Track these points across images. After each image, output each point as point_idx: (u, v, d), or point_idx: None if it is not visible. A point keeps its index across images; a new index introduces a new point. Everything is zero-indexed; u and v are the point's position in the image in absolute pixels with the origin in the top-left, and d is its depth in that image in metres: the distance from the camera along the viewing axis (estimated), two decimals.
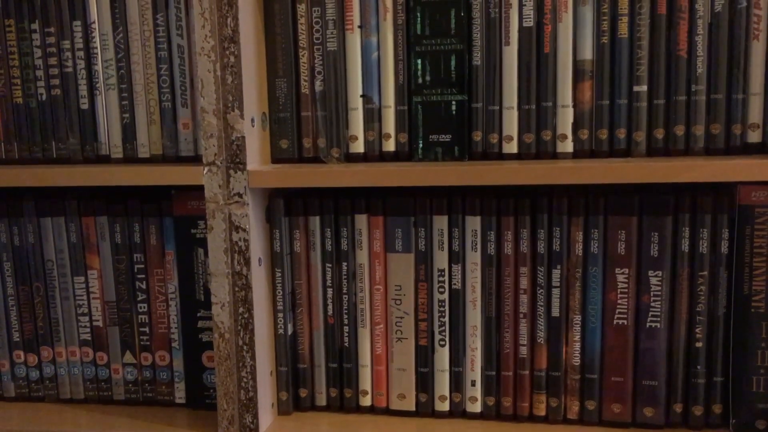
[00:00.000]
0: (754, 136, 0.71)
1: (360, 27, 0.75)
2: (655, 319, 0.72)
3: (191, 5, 0.76)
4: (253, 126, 0.74)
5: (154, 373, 0.84)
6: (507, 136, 0.74)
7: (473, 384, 0.77)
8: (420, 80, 0.75)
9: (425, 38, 0.74)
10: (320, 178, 0.72)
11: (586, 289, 0.73)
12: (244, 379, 0.75)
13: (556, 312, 0.74)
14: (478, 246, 0.75)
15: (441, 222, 0.75)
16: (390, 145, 0.77)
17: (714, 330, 0.72)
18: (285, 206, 0.77)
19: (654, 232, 0.71)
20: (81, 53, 0.79)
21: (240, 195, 0.73)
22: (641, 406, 0.74)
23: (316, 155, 0.78)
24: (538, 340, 0.75)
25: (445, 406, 0.78)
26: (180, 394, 0.84)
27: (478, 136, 0.75)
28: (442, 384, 0.78)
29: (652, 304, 0.72)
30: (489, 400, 0.77)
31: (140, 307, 0.83)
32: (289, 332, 0.80)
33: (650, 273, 0.72)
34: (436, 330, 0.77)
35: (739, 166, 0.65)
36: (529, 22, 0.72)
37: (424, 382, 0.78)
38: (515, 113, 0.74)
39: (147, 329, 0.83)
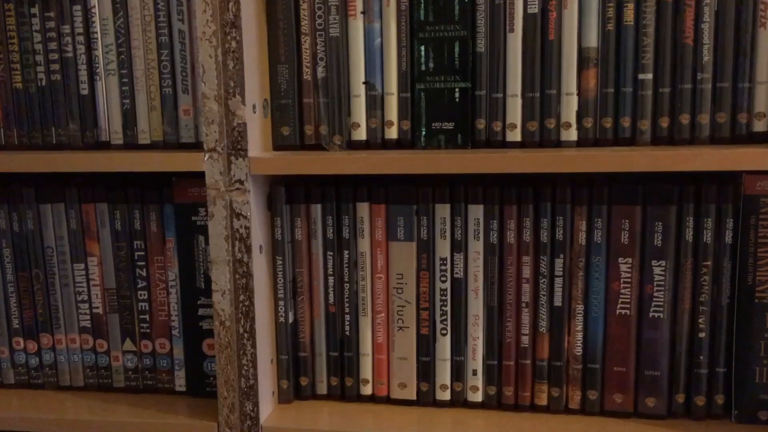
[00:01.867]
0: (760, 125, 0.70)
1: (363, 13, 0.75)
2: (658, 309, 0.72)
3: None
4: (254, 112, 0.73)
5: (155, 361, 0.84)
6: (510, 124, 0.74)
7: (475, 373, 0.77)
8: (423, 67, 0.74)
9: (429, 24, 0.73)
10: (322, 165, 0.71)
11: (589, 278, 0.73)
12: (245, 367, 0.75)
13: (558, 301, 0.74)
14: (481, 235, 0.74)
15: (443, 210, 0.75)
16: (392, 133, 0.76)
17: (717, 320, 0.71)
18: (286, 194, 0.77)
19: (658, 221, 0.70)
20: (81, 38, 0.78)
21: (241, 182, 0.72)
22: (643, 397, 0.74)
23: (318, 142, 0.78)
24: (540, 330, 0.75)
25: (446, 396, 0.78)
26: (180, 382, 0.83)
27: (481, 124, 0.74)
28: (444, 373, 0.78)
29: (655, 294, 0.72)
30: (490, 390, 0.77)
31: (140, 295, 0.82)
32: (290, 320, 0.79)
33: (654, 263, 0.71)
34: (438, 319, 0.77)
35: (745, 155, 0.64)
36: (534, 9, 0.72)
37: (426, 371, 0.78)
38: (519, 101, 0.73)
39: (147, 317, 0.83)
